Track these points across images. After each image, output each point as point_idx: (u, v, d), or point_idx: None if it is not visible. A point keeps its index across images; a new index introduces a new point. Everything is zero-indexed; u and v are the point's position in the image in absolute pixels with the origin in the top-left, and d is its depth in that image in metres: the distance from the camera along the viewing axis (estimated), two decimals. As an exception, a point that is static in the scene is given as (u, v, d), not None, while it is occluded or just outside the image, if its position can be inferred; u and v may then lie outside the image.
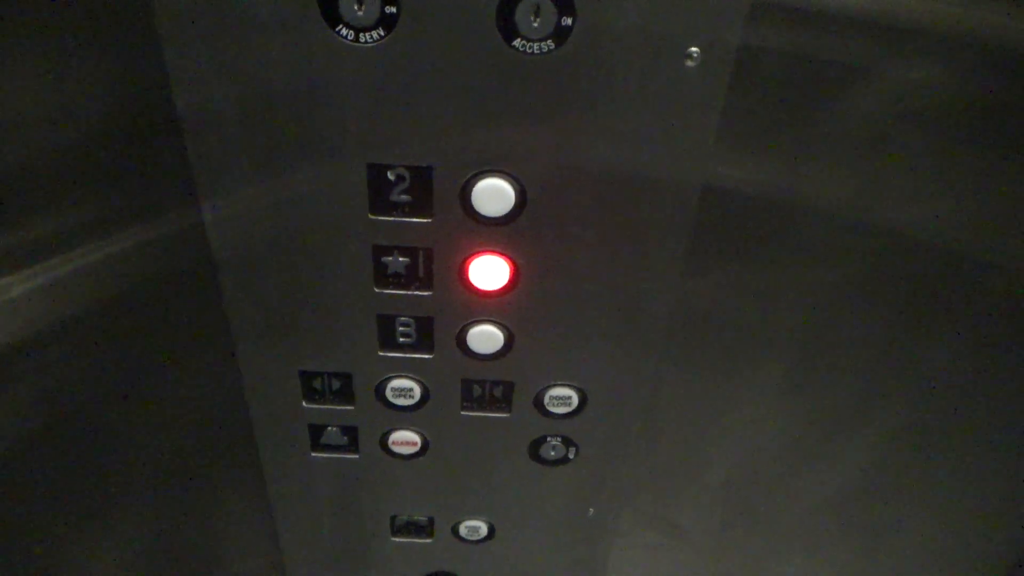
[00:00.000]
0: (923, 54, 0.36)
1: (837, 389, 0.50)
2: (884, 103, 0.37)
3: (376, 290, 0.40)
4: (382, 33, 0.31)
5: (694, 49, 0.32)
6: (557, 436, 0.48)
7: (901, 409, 0.51)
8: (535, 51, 0.32)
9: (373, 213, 0.37)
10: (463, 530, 0.54)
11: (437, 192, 0.36)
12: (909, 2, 0.34)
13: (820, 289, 0.45)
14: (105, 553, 0.54)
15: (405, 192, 0.36)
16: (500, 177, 0.36)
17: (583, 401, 0.46)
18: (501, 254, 0.39)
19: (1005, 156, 0.39)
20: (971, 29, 0.35)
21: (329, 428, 0.47)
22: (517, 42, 0.32)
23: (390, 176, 0.36)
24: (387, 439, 0.47)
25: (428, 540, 0.55)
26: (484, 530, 0.54)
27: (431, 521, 0.54)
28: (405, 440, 0.47)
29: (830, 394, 0.50)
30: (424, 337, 0.42)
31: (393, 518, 0.53)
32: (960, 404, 0.51)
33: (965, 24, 0.34)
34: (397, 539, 0.55)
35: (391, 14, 0.31)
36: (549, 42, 0.32)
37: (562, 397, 0.45)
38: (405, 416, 0.46)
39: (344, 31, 0.31)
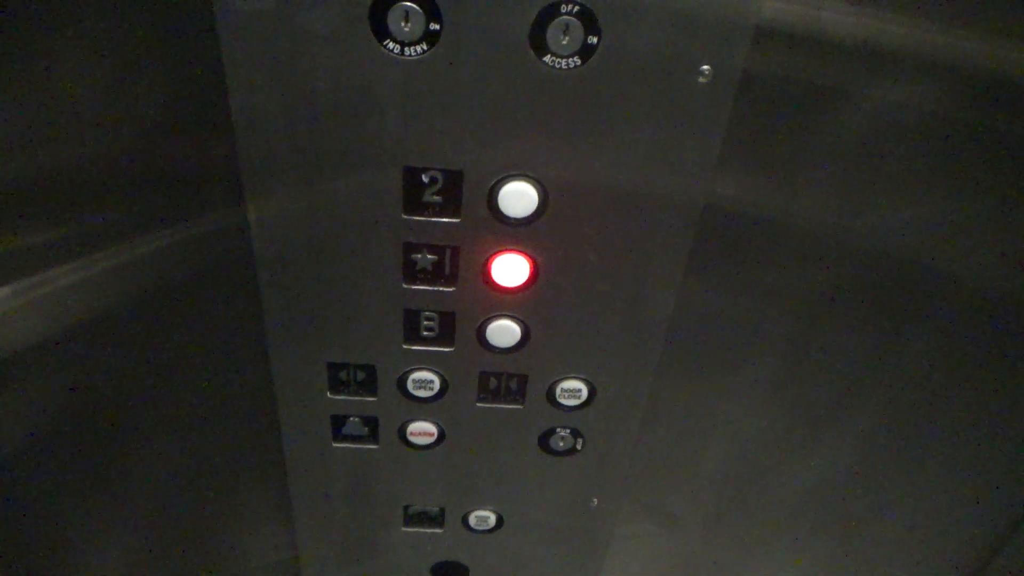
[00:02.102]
0: (906, 77, 0.39)
1: (824, 386, 0.53)
2: (869, 122, 0.41)
3: (404, 286, 0.43)
4: (425, 48, 0.34)
5: (706, 67, 0.36)
6: (566, 428, 0.50)
7: (882, 406, 0.54)
8: (563, 66, 0.35)
9: (406, 213, 0.40)
10: (472, 520, 0.56)
11: (466, 194, 0.39)
12: (895, 28, 0.38)
13: (809, 292, 0.48)
14: (125, 537, 0.56)
15: (437, 193, 0.39)
16: (525, 181, 0.39)
17: (592, 394, 0.49)
18: (523, 252, 0.42)
19: (979, 173, 0.43)
20: (952, 54, 0.38)
21: (351, 419, 0.49)
22: (547, 58, 0.35)
23: (424, 178, 0.39)
24: (405, 430, 0.50)
25: (438, 530, 0.57)
26: (493, 520, 0.56)
27: (442, 511, 0.56)
28: (423, 431, 0.50)
29: (817, 391, 0.53)
30: (446, 331, 0.45)
31: (406, 508, 0.56)
32: (937, 402, 0.54)
33: (947, 50, 0.38)
34: (408, 529, 0.57)
35: (434, 31, 0.34)
36: (576, 58, 0.35)
37: (573, 390, 0.48)
38: (424, 407, 0.49)
39: (391, 45, 0.34)
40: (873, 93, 0.40)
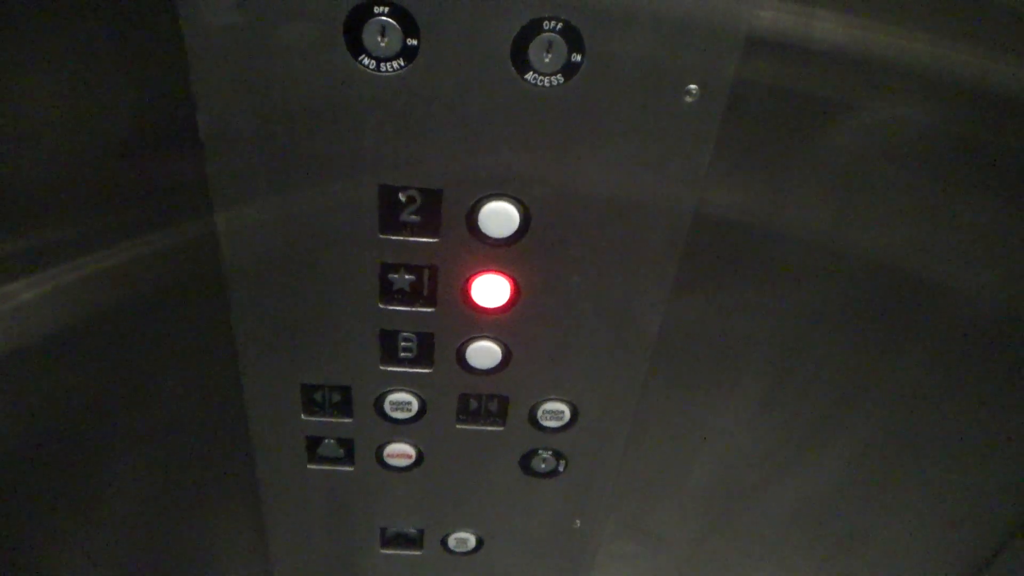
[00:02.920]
0: (899, 91, 0.38)
1: (811, 403, 0.52)
2: (860, 137, 0.40)
3: (381, 306, 0.41)
4: (402, 63, 0.33)
5: (693, 86, 0.35)
6: (548, 449, 0.49)
7: (870, 422, 0.54)
8: (546, 84, 0.34)
9: (383, 232, 0.39)
10: (452, 542, 0.55)
11: (445, 213, 0.38)
12: (887, 41, 0.37)
13: (797, 309, 0.47)
14: (95, 557, 0.54)
15: (415, 213, 0.38)
16: (506, 200, 0.38)
17: (575, 415, 0.47)
18: (503, 273, 0.40)
19: (972, 188, 0.42)
20: (945, 68, 0.37)
21: (326, 440, 0.48)
22: (529, 75, 0.34)
23: (401, 197, 0.37)
24: (383, 452, 0.49)
25: (417, 552, 0.56)
26: (472, 542, 0.55)
27: (421, 533, 0.55)
28: (400, 452, 0.49)
29: (804, 408, 0.53)
30: (425, 352, 0.44)
31: (383, 530, 0.54)
32: (927, 418, 0.53)
33: (940, 63, 0.37)
34: (386, 551, 0.56)
35: (412, 46, 0.33)
36: (559, 76, 0.34)
37: (555, 411, 0.47)
38: (402, 429, 0.47)
39: (366, 61, 0.33)
40: (864, 108, 0.39)
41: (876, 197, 0.42)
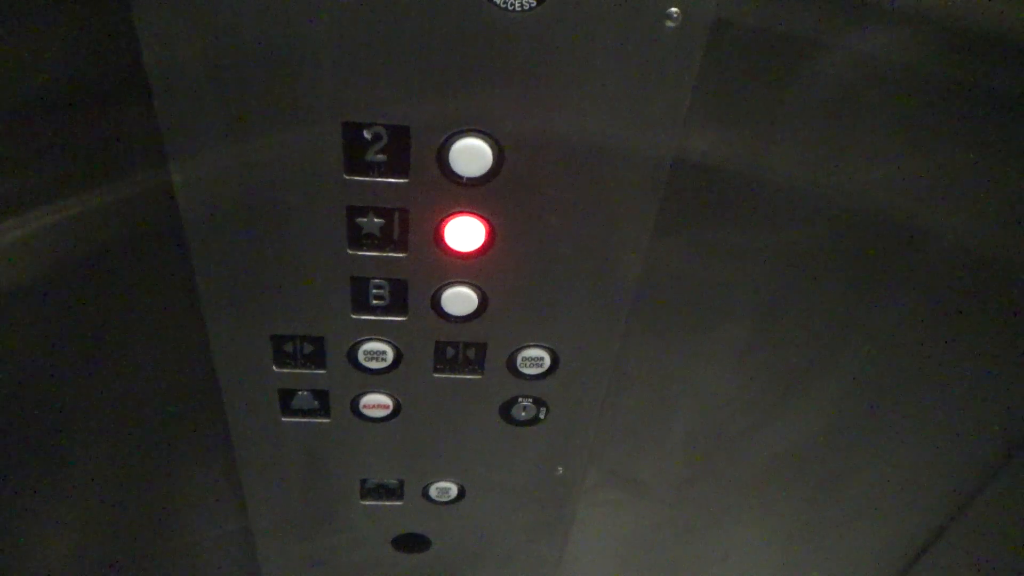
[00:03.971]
0: (884, 25, 0.36)
1: (794, 349, 0.52)
2: (846, 73, 0.38)
3: (350, 252, 0.40)
4: (361, -13, 0.31)
5: (674, 9, 0.32)
6: (528, 397, 0.48)
7: (853, 367, 0.53)
8: (516, 7, 0.32)
9: (348, 173, 0.36)
10: (433, 492, 0.54)
11: (414, 152, 0.36)
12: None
13: (780, 253, 0.46)
14: (64, 518, 0.53)
15: (381, 152, 0.36)
16: (478, 137, 0.36)
17: (555, 362, 0.46)
18: (477, 215, 0.39)
19: (958, 128, 0.40)
20: (932, 2, 0.36)
21: (300, 392, 0.46)
22: (499, -1, 0.31)
23: (366, 135, 0.35)
24: (358, 403, 0.47)
25: (398, 503, 0.55)
26: (454, 491, 0.54)
27: (401, 484, 0.54)
28: (377, 403, 0.47)
29: (787, 354, 0.52)
30: (398, 299, 0.42)
31: (363, 481, 0.53)
32: (909, 362, 0.53)
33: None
34: (366, 502, 0.55)
35: (371, -33, 0.30)
36: (531, 0, 0.31)
37: (534, 358, 0.46)
38: (377, 379, 0.46)
39: (322, -16, 0.30)
40: (850, 42, 0.37)
41: (861, 138, 0.41)
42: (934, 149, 0.41)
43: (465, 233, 0.39)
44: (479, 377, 0.46)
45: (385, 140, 0.35)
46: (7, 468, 0.48)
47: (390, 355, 0.45)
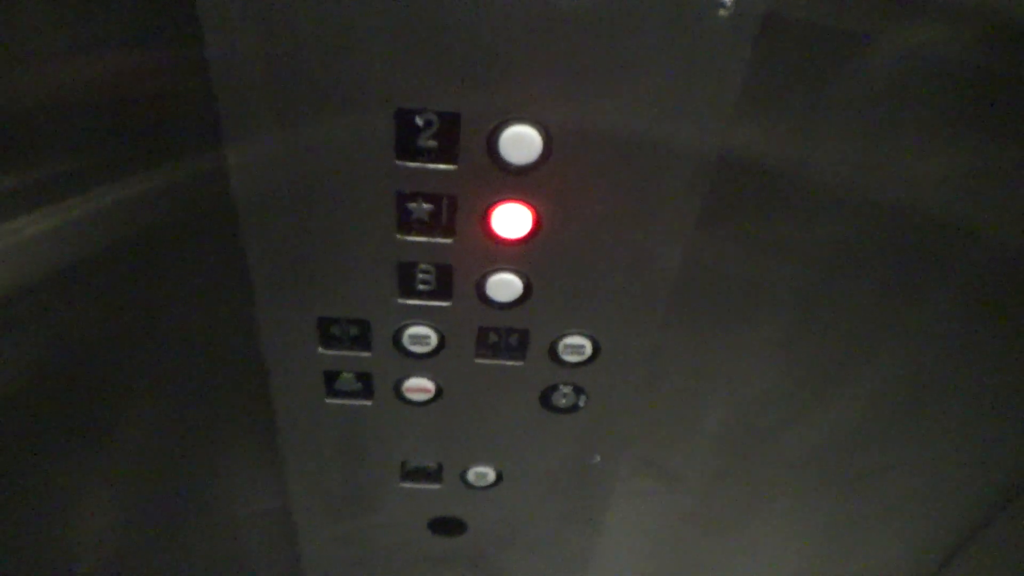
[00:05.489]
0: (937, 16, 0.36)
1: (832, 344, 0.51)
2: (896, 64, 0.38)
3: (398, 237, 0.40)
4: (418, -25, 0.31)
5: (728, -2, 0.32)
6: (568, 384, 0.48)
7: (891, 364, 0.53)
8: (570, -3, 0.32)
9: (399, 159, 0.37)
10: (471, 476, 0.55)
11: (464, 138, 0.36)
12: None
13: (821, 248, 0.46)
14: (109, 490, 0.54)
15: (432, 138, 0.36)
16: (528, 124, 0.36)
17: (596, 349, 0.46)
18: (524, 202, 0.39)
19: (1009, 122, 0.40)
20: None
21: (344, 374, 0.47)
22: (553, -13, 0.32)
23: (418, 121, 0.36)
24: (401, 386, 0.48)
25: (436, 486, 0.56)
26: (492, 476, 0.55)
27: (440, 467, 0.55)
28: (419, 387, 0.48)
29: (825, 349, 0.52)
30: (443, 285, 0.43)
31: (403, 464, 0.54)
32: (947, 360, 0.52)
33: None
34: (405, 484, 0.56)
35: (428, -44, 0.31)
36: (585, -13, 0.32)
37: (576, 345, 0.46)
38: (420, 363, 0.47)
39: (380, -29, 0.31)
40: (901, 32, 0.37)
41: (912, 129, 0.40)
42: (981, 145, 0.41)
43: (512, 220, 0.40)
44: (520, 363, 0.47)
45: (436, 126, 0.36)
46: (57, 441, 0.50)
47: (434, 340, 0.45)
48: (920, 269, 0.47)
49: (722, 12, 0.33)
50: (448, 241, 0.40)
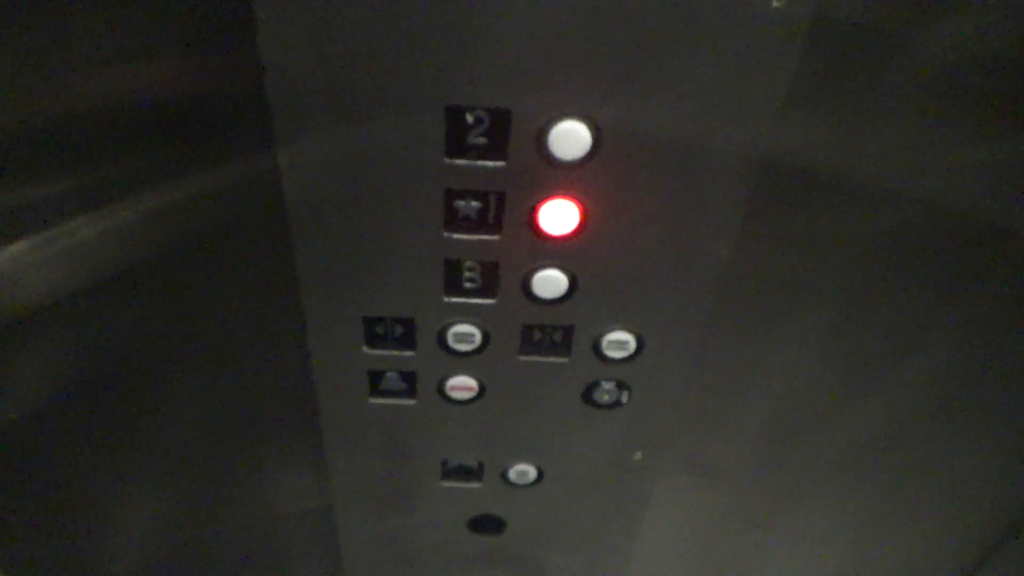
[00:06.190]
0: (986, 8, 0.36)
1: (875, 341, 0.51)
2: (945, 57, 0.37)
3: (445, 234, 0.40)
4: (471, -27, 0.31)
5: (781, -11, 0.32)
6: (612, 380, 0.48)
7: (933, 361, 0.52)
8: (622, -9, 0.32)
9: (449, 156, 0.37)
10: (512, 474, 0.55)
11: (514, 135, 0.36)
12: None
13: (866, 243, 0.45)
14: (153, 489, 0.55)
15: (482, 135, 0.36)
16: (577, 119, 0.36)
17: (640, 345, 0.46)
18: (572, 198, 0.39)
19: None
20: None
21: (388, 373, 0.48)
22: (606, -19, 0.32)
23: (468, 118, 0.36)
24: (444, 384, 0.48)
25: (477, 484, 0.56)
26: (533, 474, 0.55)
27: (481, 465, 0.55)
28: (463, 385, 0.48)
29: (868, 346, 0.51)
30: (489, 282, 0.43)
31: (444, 462, 0.54)
32: (989, 358, 0.52)
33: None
34: (446, 483, 0.56)
35: (482, -46, 0.31)
36: (637, -18, 0.32)
37: (620, 341, 0.46)
38: (464, 361, 0.47)
39: (435, -30, 0.31)
40: (949, 26, 0.36)
41: (960, 124, 0.40)
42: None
43: (559, 216, 0.40)
44: (564, 360, 0.47)
45: (487, 123, 0.36)
46: (105, 439, 0.50)
47: (478, 337, 0.45)
48: (964, 266, 0.46)
49: (775, 4, 0.33)
50: (495, 238, 0.41)
